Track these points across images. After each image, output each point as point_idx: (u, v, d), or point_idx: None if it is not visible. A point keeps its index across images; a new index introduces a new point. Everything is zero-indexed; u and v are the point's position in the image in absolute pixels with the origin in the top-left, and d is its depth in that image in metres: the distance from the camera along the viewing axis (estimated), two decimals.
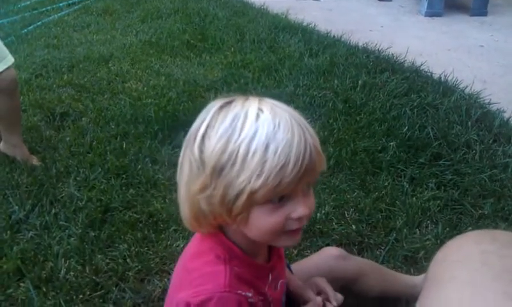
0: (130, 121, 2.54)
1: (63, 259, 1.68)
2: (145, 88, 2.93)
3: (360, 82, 2.90)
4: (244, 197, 0.78)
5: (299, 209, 0.82)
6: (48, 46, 3.60)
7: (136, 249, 1.74)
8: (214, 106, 0.84)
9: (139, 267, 1.67)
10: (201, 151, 0.81)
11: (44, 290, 1.58)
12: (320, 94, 2.80)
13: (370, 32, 4.03)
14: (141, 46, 3.59)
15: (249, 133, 0.77)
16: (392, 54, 3.37)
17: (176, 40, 3.69)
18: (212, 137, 0.80)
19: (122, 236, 1.80)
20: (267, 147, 0.76)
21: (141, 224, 1.86)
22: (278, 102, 0.85)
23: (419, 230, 1.85)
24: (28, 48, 3.56)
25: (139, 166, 2.18)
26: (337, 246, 1.67)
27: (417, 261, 1.71)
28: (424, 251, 1.73)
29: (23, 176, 2.13)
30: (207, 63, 3.33)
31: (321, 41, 3.63)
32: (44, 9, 4.44)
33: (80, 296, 1.56)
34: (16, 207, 1.95)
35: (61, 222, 1.86)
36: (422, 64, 3.21)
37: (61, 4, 4.55)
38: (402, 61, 3.29)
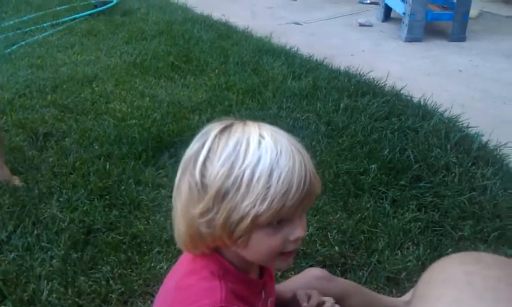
0: (114, 141, 2.54)
1: (45, 281, 1.67)
2: (129, 109, 2.94)
3: (341, 105, 2.95)
4: (248, 220, 0.82)
5: (297, 231, 0.86)
6: (31, 66, 3.59)
7: (119, 271, 1.73)
8: (213, 129, 0.87)
9: (123, 289, 1.66)
10: (202, 175, 0.84)
11: None
12: (303, 117, 2.84)
13: (351, 57, 4.11)
14: (126, 67, 3.60)
15: (253, 159, 0.81)
16: (373, 78, 3.44)
17: (160, 62, 3.71)
18: (215, 162, 0.83)
19: (105, 258, 1.79)
20: (271, 173, 0.81)
21: (124, 246, 1.86)
22: (276, 128, 0.89)
23: (401, 251, 1.88)
24: (11, 68, 3.55)
25: (123, 187, 2.17)
26: (321, 267, 1.68)
27: (399, 283, 1.74)
28: (406, 272, 1.76)
29: (5, 197, 2.11)
30: (191, 85, 3.35)
31: (304, 64, 3.69)
32: (28, 29, 4.43)
33: None
34: None
35: (43, 244, 1.85)
36: (402, 88, 3.28)
37: (45, 24, 4.55)
38: (383, 84, 3.36)
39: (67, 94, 3.09)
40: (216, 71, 3.57)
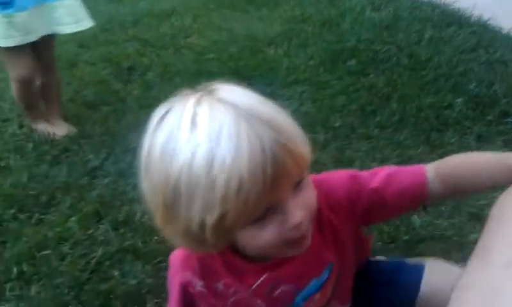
0: (194, 75, 2.60)
1: (137, 204, 1.79)
2: (207, 43, 2.98)
3: (425, 36, 2.83)
4: (209, 229, 0.66)
5: (290, 219, 0.68)
6: (112, 1, 3.69)
7: None
8: (153, 122, 0.69)
9: None
10: (147, 186, 0.71)
11: (122, 231, 1.69)
12: (383, 49, 2.75)
13: None
14: (202, 1, 3.62)
15: (186, 157, 0.63)
16: (459, 8, 3.24)
17: None
18: (152, 170, 0.68)
19: None
20: (209, 170, 0.62)
21: None
22: (228, 90, 0.69)
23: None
24: (92, 3, 3.65)
25: None
26: None
27: (482, 219, 1.71)
28: (490, 208, 1.72)
29: (96, 126, 2.25)
30: (266, 18, 3.33)
31: None
32: None
33: (155, 238, 1.66)
34: (91, 155, 2.07)
35: (134, 170, 1.96)
36: (489, 19, 3.07)
37: None
38: (470, 14, 3.16)
39: (147, 29, 3.18)
40: (291, 2, 3.51)
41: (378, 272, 1.06)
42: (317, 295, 0.87)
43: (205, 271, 0.84)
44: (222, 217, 0.64)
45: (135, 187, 1.88)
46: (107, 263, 1.55)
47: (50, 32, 2.16)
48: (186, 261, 0.86)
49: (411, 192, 0.85)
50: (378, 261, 1.14)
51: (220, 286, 0.83)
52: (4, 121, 2.45)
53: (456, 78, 2.43)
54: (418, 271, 0.99)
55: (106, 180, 1.94)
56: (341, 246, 0.87)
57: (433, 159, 1.95)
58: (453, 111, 2.19)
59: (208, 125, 0.63)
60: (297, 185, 0.70)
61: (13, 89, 2.23)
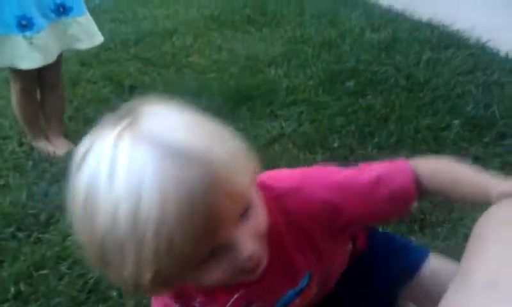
0: (195, 95, 2.63)
1: None
2: (208, 63, 3.01)
3: (423, 58, 2.86)
4: (145, 287, 0.59)
5: (240, 252, 0.62)
6: (114, 20, 3.74)
7: None
8: (75, 160, 0.60)
9: None
10: (75, 231, 0.61)
11: None
12: (382, 70, 2.78)
13: (433, 7, 3.91)
14: (203, 20, 3.67)
15: (107, 218, 0.55)
16: (458, 29, 3.28)
17: (237, 15, 3.74)
18: (77, 220, 0.59)
19: None
20: (134, 231, 0.54)
21: None
22: (153, 115, 0.60)
23: (482, 208, 1.84)
24: (96, 22, 3.70)
25: None
26: (398, 223, 1.70)
27: None
28: None
29: None
30: (267, 38, 3.37)
31: (383, 15, 3.58)
32: None
33: None
34: None
35: None
36: (488, 41, 3.11)
37: None
38: (468, 36, 3.20)
39: (149, 48, 3.22)
40: (292, 23, 3.55)
41: (380, 241, 1.04)
42: (296, 301, 0.85)
43: (180, 294, 0.79)
44: (157, 274, 0.57)
45: None
46: (105, 283, 1.55)
47: (66, 49, 2.20)
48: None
49: (399, 199, 0.82)
50: (384, 232, 1.12)
51: (196, 305, 0.80)
52: (5, 138, 2.47)
53: (453, 100, 2.45)
54: (424, 251, 0.98)
55: None
56: (322, 252, 0.82)
57: None
58: (450, 133, 2.21)
59: (127, 175, 0.54)
60: (244, 213, 0.62)
61: (14, 102, 2.25)
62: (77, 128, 2.46)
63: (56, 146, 2.28)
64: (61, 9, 2.09)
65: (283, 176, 0.83)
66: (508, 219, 0.72)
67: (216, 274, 0.63)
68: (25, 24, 2.00)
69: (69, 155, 2.21)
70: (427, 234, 1.69)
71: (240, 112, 2.49)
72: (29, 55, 2.03)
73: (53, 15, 2.08)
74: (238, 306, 0.80)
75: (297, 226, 0.78)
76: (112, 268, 0.58)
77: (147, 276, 0.56)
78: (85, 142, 0.60)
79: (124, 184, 0.54)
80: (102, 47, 3.23)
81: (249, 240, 0.63)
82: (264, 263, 0.68)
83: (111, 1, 4.17)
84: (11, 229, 1.85)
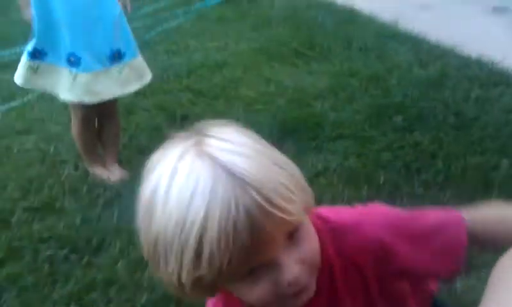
0: (244, 126, 2.69)
1: None
2: (256, 95, 3.08)
3: (472, 95, 2.83)
4: (187, 288, 0.64)
5: (284, 275, 0.63)
6: (167, 52, 3.89)
7: None
8: (147, 168, 0.68)
9: None
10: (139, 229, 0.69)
11: None
12: (430, 107, 2.77)
13: (483, 44, 3.87)
14: (252, 53, 3.76)
15: (161, 222, 0.62)
16: (507, 67, 3.23)
17: (285, 48, 3.81)
18: (139, 220, 0.67)
19: None
20: (180, 236, 0.60)
21: None
22: (218, 139, 0.66)
23: None
24: (150, 54, 3.87)
25: None
26: None
27: None
28: None
29: None
30: (314, 71, 3.42)
31: (432, 51, 3.57)
32: (163, 16, 4.78)
33: None
34: None
35: None
36: None
37: (178, 11, 4.87)
38: None
39: (200, 79, 3.33)
40: (340, 57, 3.59)
41: None
42: None
43: (228, 300, 0.78)
44: (198, 280, 0.62)
45: None
46: None
47: (115, 96, 2.29)
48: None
49: (451, 253, 0.79)
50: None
51: None
52: (62, 162, 2.60)
53: (502, 139, 2.42)
54: None
55: None
56: (372, 296, 0.80)
57: None
58: (499, 173, 2.18)
59: (183, 185, 0.61)
60: (292, 236, 0.65)
61: (73, 127, 2.38)
62: (130, 155, 2.58)
63: (110, 173, 2.39)
64: (116, 55, 2.20)
65: (341, 211, 0.83)
66: None
67: (256, 292, 0.64)
68: (73, 61, 2.13)
69: (122, 182, 2.32)
70: (473, 276, 1.67)
71: (286, 144, 2.53)
72: (71, 88, 2.15)
73: (107, 62, 2.18)
74: None
75: (352, 264, 0.77)
76: (161, 266, 0.64)
77: (188, 279, 0.62)
78: (156, 154, 0.68)
79: (179, 192, 0.61)
80: (156, 78, 3.38)
81: (294, 264, 0.64)
82: (309, 293, 0.68)
83: (165, 33, 4.34)
84: (65, 252, 1.94)
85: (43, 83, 2.23)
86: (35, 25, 2.14)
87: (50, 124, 2.94)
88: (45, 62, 2.18)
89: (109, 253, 1.92)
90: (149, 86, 3.24)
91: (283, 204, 0.61)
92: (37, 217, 2.16)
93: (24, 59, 2.19)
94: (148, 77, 2.35)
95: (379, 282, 0.80)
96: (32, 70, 2.19)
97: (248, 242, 0.59)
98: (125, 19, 2.27)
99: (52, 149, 2.68)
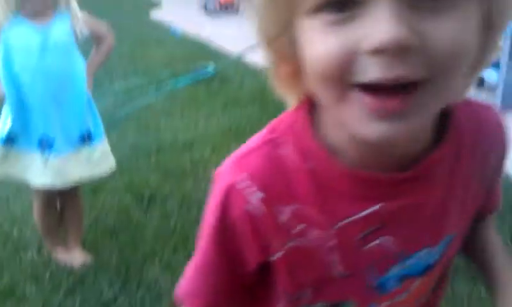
0: None
1: None
2: None
3: None
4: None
5: (376, 32, 0.41)
6: (138, 130, 3.91)
7: None
8: None
9: None
10: None
11: None
12: None
13: None
14: (222, 133, 3.81)
15: None
16: None
17: (254, 128, 3.87)
18: None
19: None
20: None
21: None
22: None
23: None
24: (121, 131, 3.88)
25: None
26: None
27: None
28: None
29: (113, 255, 2.31)
30: None
31: None
32: (135, 93, 4.85)
33: None
34: (106, 287, 2.11)
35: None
36: None
37: (150, 90, 4.95)
38: None
39: (169, 159, 3.34)
40: None
41: None
42: (417, 282, 0.60)
43: (274, 179, 0.56)
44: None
45: None
46: None
47: (82, 179, 2.22)
48: (246, 157, 0.60)
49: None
50: None
51: (285, 215, 0.56)
52: (25, 246, 2.52)
53: None
54: None
55: None
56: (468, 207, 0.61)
57: None
58: None
59: None
60: None
61: (35, 210, 2.31)
62: (95, 237, 2.52)
63: (72, 257, 2.32)
64: (86, 137, 2.18)
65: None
66: None
67: (326, 43, 0.45)
68: (45, 143, 2.08)
69: (85, 266, 2.24)
70: None
71: None
72: (43, 173, 2.09)
73: (78, 143, 2.15)
74: (359, 231, 0.55)
75: (481, 152, 0.59)
76: None
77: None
78: None
79: None
80: (125, 157, 3.37)
81: (397, 26, 0.40)
82: (407, 124, 0.44)
83: (136, 111, 4.38)
84: None
85: (13, 172, 2.14)
86: (9, 108, 2.07)
87: (15, 204, 2.87)
88: (16, 148, 2.11)
89: None
90: (117, 164, 3.24)
91: None
92: None
93: None
94: (112, 162, 2.32)
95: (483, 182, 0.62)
96: (3, 157, 2.10)
97: None
98: (92, 100, 2.25)
99: (15, 231, 2.61)
